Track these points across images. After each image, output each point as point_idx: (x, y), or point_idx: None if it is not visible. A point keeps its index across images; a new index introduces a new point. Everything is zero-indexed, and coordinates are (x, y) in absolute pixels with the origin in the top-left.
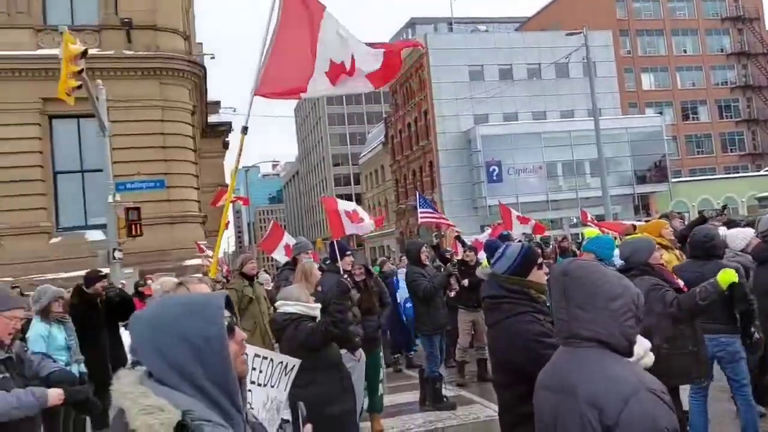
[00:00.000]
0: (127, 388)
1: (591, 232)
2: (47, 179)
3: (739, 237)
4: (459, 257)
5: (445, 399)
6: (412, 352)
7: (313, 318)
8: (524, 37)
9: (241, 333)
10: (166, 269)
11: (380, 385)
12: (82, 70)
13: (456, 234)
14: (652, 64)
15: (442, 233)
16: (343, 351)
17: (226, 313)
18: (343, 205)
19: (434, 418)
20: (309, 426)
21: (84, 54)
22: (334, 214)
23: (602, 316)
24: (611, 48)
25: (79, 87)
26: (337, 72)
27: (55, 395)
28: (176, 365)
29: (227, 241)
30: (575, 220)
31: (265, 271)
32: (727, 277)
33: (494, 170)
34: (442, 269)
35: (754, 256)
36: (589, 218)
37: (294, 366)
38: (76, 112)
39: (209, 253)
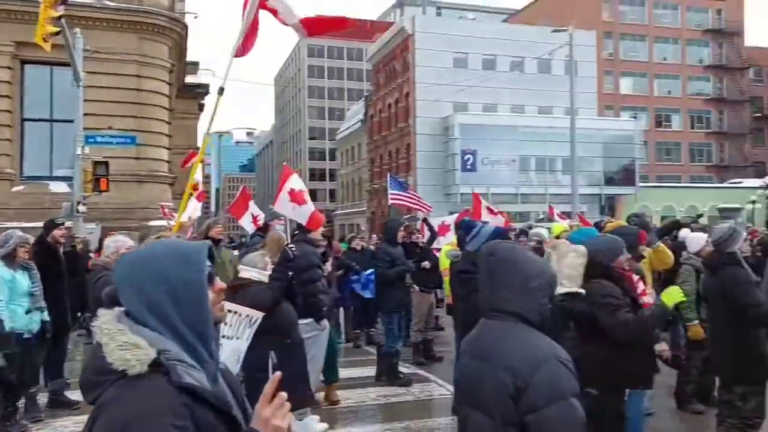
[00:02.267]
0: (106, 326)
1: (558, 227)
2: (14, 125)
3: (696, 240)
4: (425, 240)
5: (401, 375)
6: (374, 330)
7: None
8: (510, 30)
9: (220, 283)
10: (130, 227)
11: (335, 356)
12: (61, 16)
13: (424, 217)
14: (631, 69)
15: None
16: (309, 320)
17: (208, 263)
18: (294, 183)
19: (388, 392)
20: (278, 373)
21: (64, 0)
22: (281, 184)
23: (522, 293)
24: (594, 49)
25: (57, 33)
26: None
27: None
28: (153, 305)
29: (195, 208)
30: (542, 215)
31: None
32: (672, 298)
33: (469, 159)
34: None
35: (705, 263)
36: (555, 214)
37: (257, 319)
38: (50, 59)
39: (173, 220)
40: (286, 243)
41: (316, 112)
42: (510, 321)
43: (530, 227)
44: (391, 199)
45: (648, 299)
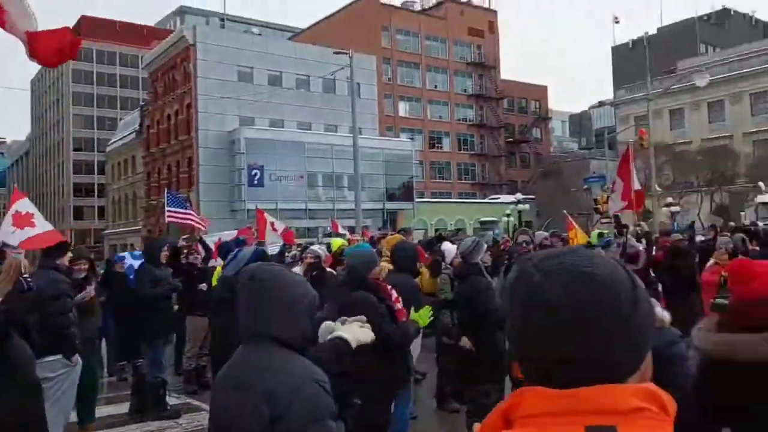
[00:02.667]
0: None
1: (337, 242)
2: None
3: (450, 251)
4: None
5: (168, 407)
6: (140, 361)
7: None
8: (296, 48)
9: None
10: None
11: (95, 393)
12: None
13: (200, 237)
14: (408, 94)
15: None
16: (57, 356)
17: None
18: (20, 206)
19: (154, 427)
20: None
21: None
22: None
23: (283, 317)
24: (374, 73)
25: None
26: None
27: None
28: None
29: None
30: (329, 230)
31: None
32: (423, 319)
33: (256, 174)
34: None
35: (455, 273)
36: (339, 228)
37: None
38: None
39: None
40: (23, 273)
41: (83, 121)
42: (269, 346)
43: (309, 246)
44: (169, 216)
45: (399, 305)
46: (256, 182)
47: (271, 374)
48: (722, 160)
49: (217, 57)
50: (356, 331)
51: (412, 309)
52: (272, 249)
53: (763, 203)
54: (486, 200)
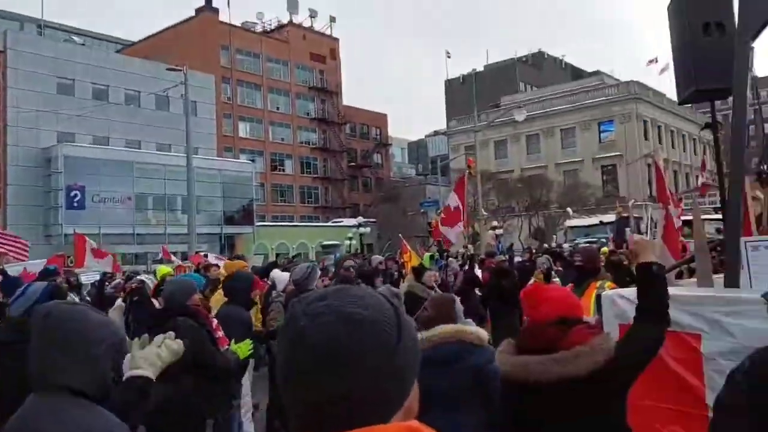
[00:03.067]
0: None
1: (163, 269)
2: None
3: (282, 279)
4: None
5: None
6: None
7: None
8: (125, 61)
9: None
10: None
11: None
12: None
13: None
14: (249, 115)
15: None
16: None
17: None
18: None
19: None
20: None
21: None
22: None
23: (80, 363)
24: (213, 92)
25: None
26: None
27: None
28: None
29: None
30: (159, 256)
31: None
32: (244, 350)
33: (76, 195)
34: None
35: (287, 300)
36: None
37: None
38: None
39: None
40: None
41: None
42: (62, 396)
43: (135, 274)
44: None
45: (221, 333)
46: (75, 204)
47: (64, 430)
48: (538, 187)
49: (32, 66)
50: (157, 355)
51: (233, 340)
52: (90, 277)
53: (571, 227)
54: (329, 224)
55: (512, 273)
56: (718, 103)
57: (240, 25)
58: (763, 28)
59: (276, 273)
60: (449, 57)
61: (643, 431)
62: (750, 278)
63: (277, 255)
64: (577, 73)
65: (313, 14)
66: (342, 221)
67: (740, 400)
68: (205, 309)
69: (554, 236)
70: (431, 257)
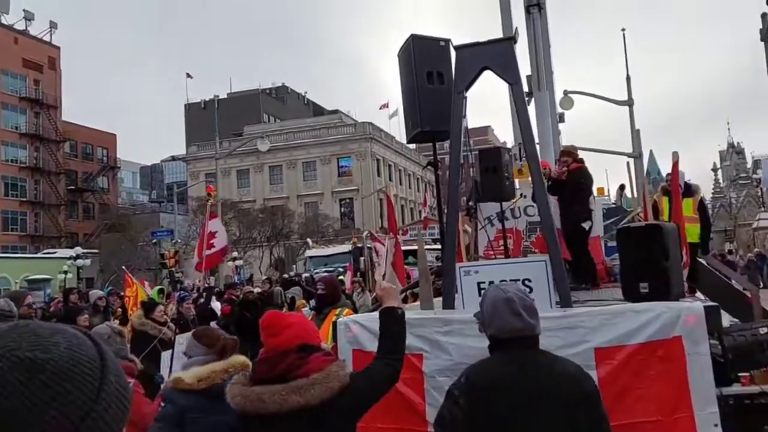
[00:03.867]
0: None
1: None
2: None
3: None
4: None
5: None
6: None
7: None
8: None
9: None
10: None
11: None
12: None
13: None
14: None
15: None
16: None
17: None
18: None
19: None
20: None
21: None
22: None
23: None
24: None
25: None
26: None
27: None
28: None
29: None
30: None
31: None
32: None
33: None
34: None
35: None
36: None
37: None
38: None
39: None
40: None
41: None
42: None
43: None
44: None
45: None
46: None
47: None
48: (280, 218)
49: None
50: None
51: None
52: None
53: (311, 257)
54: (39, 255)
55: (257, 303)
56: (438, 145)
57: None
58: (474, 80)
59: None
60: (190, 78)
61: None
62: (463, 300)
63: None
64: (318, 110)
65: (28, 17)
66: (56, 252)
67: (458, 413)
68: None
69: (294, 266)
70: (161, 290)
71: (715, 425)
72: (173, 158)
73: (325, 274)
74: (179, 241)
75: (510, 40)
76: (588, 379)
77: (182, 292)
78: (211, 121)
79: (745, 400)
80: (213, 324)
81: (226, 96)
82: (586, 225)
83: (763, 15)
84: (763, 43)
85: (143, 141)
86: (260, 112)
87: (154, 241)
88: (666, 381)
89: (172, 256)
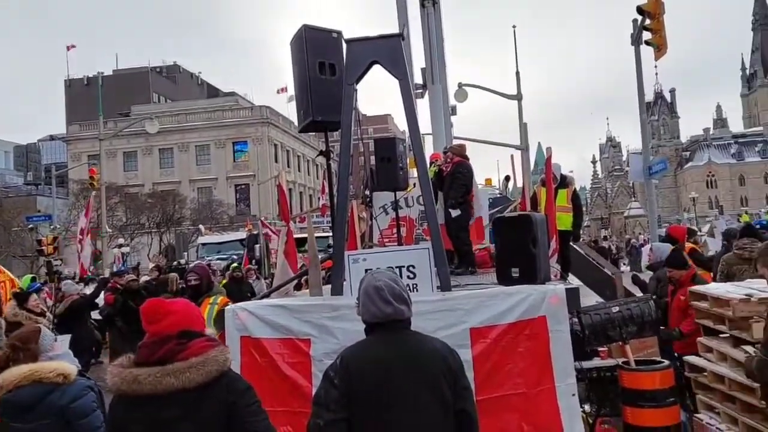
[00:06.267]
0: None
1: None
2: None
3: None
4: None
5: None
6: None
7: None
8: None
9: None
10: None
11: None
12: None
13: None
14: None
15: None
16: None
17: None
18: None
19: None
20: None
21: None
22: None
23: None
24: None
25: None
26: None
27: None
28: None
29: None
30: None
31: None
32: None
33: None
34: None
35: None
36: None
37: None
38: None
39: None
40: None
41: None
42: None
43: None
44: None
45: None
46: None
47: None
48: (171, 203)
49: None
50: None
51: None
52: None
53: (204, 244)
54: None
55: (142, 293)
56: (337, 133)
57: None
58: (364, 73)
59: None
60: (73, 47)
61: None
62: (351, 287)
63: None
64: (213, 92)
65: None
66: None
67: (333, 393)
68: None
69: (185, 253)
70: (32, 279)
71: (573, 395)
72: (52, 138)
73: (198, 262)
74: (58, 226)
75: (398, 36)
76: (453, 354)
77: (36, 283)
78: (95, 99)
79: (605, 372)
80: (93, 314)
81: (111, 73)
82: (454, 212)
83: (634, 21)
84: (632, 47)
85: (17, 118)
86: (150, 92)
87: (30, 226)
88: (532, 356)
89: (50, 242)
